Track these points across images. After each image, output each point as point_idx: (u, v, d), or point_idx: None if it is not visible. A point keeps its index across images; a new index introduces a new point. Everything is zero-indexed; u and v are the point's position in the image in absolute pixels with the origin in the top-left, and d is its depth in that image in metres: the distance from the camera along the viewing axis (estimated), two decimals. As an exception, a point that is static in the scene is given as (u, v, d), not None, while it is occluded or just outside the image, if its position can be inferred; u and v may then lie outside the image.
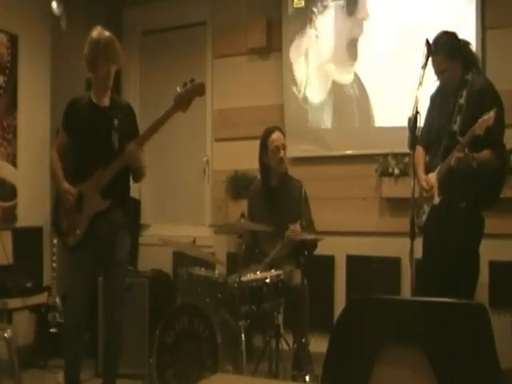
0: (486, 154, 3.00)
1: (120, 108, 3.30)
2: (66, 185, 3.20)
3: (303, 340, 3.45)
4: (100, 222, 3.19)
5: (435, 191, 3.14)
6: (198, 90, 3.12)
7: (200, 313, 3.36)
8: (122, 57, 3.27)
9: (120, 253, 3.29)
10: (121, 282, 3.35)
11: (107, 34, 3.23)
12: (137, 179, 3.41)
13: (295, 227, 3.55)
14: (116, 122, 3.18)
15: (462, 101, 3.08)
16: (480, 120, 2.83)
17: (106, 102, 3.28)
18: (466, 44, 3.23)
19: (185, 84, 3.12)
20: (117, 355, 3.37)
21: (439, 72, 3.17)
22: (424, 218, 3.20)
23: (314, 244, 3.64)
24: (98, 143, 3.18)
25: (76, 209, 3.19)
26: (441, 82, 3.26)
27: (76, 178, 3.23)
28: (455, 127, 3.08)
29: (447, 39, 3.16)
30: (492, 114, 2.81)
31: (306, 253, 3.45)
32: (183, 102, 3.11)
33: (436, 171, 3.15)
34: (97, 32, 3.22)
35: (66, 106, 3.32)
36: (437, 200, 3.13)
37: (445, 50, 3.10)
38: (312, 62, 4.64)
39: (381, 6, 4.40)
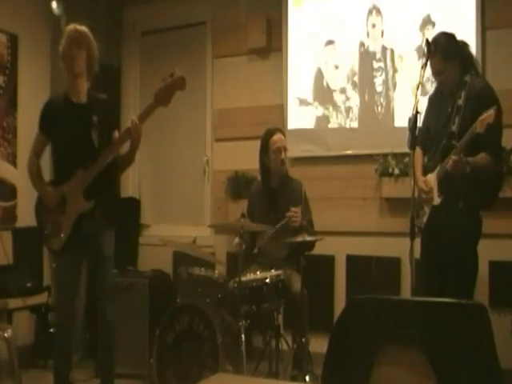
0: (481, 157, 3.00)
1: (98, 103, 3.22)
2: (49, 191, 3.14)
3: (303, 340, 3.46)
4: (85, 223, 3.13)
5: (435, 192, 3.14)
6: (179, 84, 3.04)
7: (200, 313, 3.36)
8: (92, 44, 3.21)
9: (106, 249, 3.23)
10: (109, 279, 3.27)
11: (79, 26, 3.21)
12: (124, 168, 3.32)
13: (296, 210, 3.55)
14: (95, 118, 3.12)
15: (460, 102, 3.08)
16: (480, 118, 2.83)
17: (83, 98, 3.20)
18: (465, 46, 3.22)
19: (164, 79, 3.08)
20: (111, 355, 3.30)
21: (436, 73, 3.18)
22: (425, 219, 3.20)
23: (311, 244, 3.64)
24: (77, 142, 3.11)
25: (59, 211, 3.13)
26: (438, 83, 3.26)
27: (57, 180, 3.18)
28: (454, 128, 3.08)
29: (445, 40, 3.15)
30: (492, 111, 2.82)
31: (305, 254, 3.46)
32: (164, 97, 3.04)
33: (435, 172, 3.15)
34: (69, 26, 3.23)
35: (42, 107, 3.25)
36: (437, 200, 3.13)
37: (442, 51, 3.10)
38: (312, 62, 4.64)
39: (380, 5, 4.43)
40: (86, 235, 3.15)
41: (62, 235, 3.12)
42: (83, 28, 3.23)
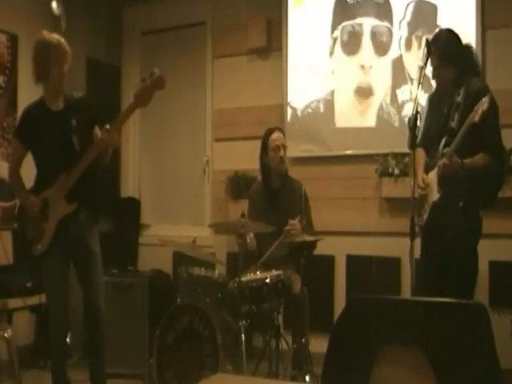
0: (478, 159, 3.00)
1: (74, 105, 3.21)
2: (31, 198, 3.14)
3: (303, 340, 3.46)
4: (69, 225, 3.14)
5: (435, 188, 3.13)
6: (158, 84, 3.00)
7: (200, 313, 3.36)
8: (70, 54, 3.17)
9: (93, 246, 3.23)
10: (99, 276, 3.25)
11: (55, 36, 3.17)
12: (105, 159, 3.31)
13: (294, 223, 3.56)
14: (74, 122, 3.13)
15: (459, 99, 3.09)
16: (475, 107, 2.85)
17: (61, 104, 3.20)
18: (466, 49, 3.21)
19: (143, 79, 3.05)
20: (103, 357, 3.25)
21: (433, 73, 3.18)
22: (425, 216, 3.20)
23: (313, 244, 3.64)
24: (59, 149, 3.12)
25: (41, 217, 3.14)
26: (436, 83, 3.26)
27: (40, 186, 3.17)
28: (453, 124, 3.08)
29: (445, 42, 3.14)
30: (486, 99, 2.83)
31: (305, 253, 3.46)
32: (143, 98, 3.02)
33: (436, 168, 3.15)
34: (45, 35, 3.15)
35: (20, 117, 3.24)
36: (436, 196, 3.12)
37: (439, 53, 3.10)
38: (312, 62, 4.64)
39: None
40: (72, 236, 3.15)
41: (45, 238, 3.12)
42: (62, 40, 3.16)
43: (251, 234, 3.63)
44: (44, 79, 3.15)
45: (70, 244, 3.16)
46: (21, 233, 3.28)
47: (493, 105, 2.89)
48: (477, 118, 2.83)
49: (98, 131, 3.23)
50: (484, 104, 2.82)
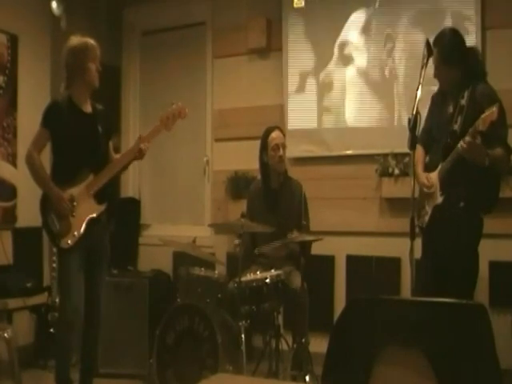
0: (498, 151, 2.98)
1: (99, 113, 3.40)
2: (60, 191, 3.22)
3: (303, 340, 3.45)
4: (94, 225, 3.28)
5: (437, 190, 3.13)
6: (181, 113, 3.34)
7: (200, 313, 3.36)
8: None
9: (107, 246, 3.41)
10: (104, 280, 3.44)
11: (87, 38, 3.33)
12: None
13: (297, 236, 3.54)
14: (100, 128, 3.32)
15: (463, 101, 3.07)
16: (482, 116, 2.82)
17: (89, 107, 3.37)
18: (471, 52, 3.20)
19: (168, 106, 3.34)
20: (96, 354, 3.43)
21: (435, 73, 3.17)
22: (426, 218, 3.19)
23: (308, 247, 3.64)
24: (88, 150, 3.26)
25: (68, 211, 3.24)
26: (439, 82, 3.25)
27: (64, 182, 3.25)
28: (456, 127, 3.08)
29: (448, 42, 3.14)
30: (495, 108, 2.80)
31: (305, 253, 3.46)
32: (167, 122, 3.32)
33: (437, 170, 3.15)
34: (78, 39, 3.31)
35: (47, 108, 3.31)
36: (439, 199, 3.12)
37: (442, 54, 3.09)
38: (312, 62, 4.64)
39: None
40: (93, 236, 3.27)
41: (75, 233, 3.23)
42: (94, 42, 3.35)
43: (236, 241, 3.65)
44: (79, 79, 3.29)
45: (91, 243, 3.27)
46: (44, 224, 3.31)
47: (501, 112, 2.87)
48: (484, 128, 2.82)
49: (111, 147, 3.46)
50: (493, 114, 2.79)
